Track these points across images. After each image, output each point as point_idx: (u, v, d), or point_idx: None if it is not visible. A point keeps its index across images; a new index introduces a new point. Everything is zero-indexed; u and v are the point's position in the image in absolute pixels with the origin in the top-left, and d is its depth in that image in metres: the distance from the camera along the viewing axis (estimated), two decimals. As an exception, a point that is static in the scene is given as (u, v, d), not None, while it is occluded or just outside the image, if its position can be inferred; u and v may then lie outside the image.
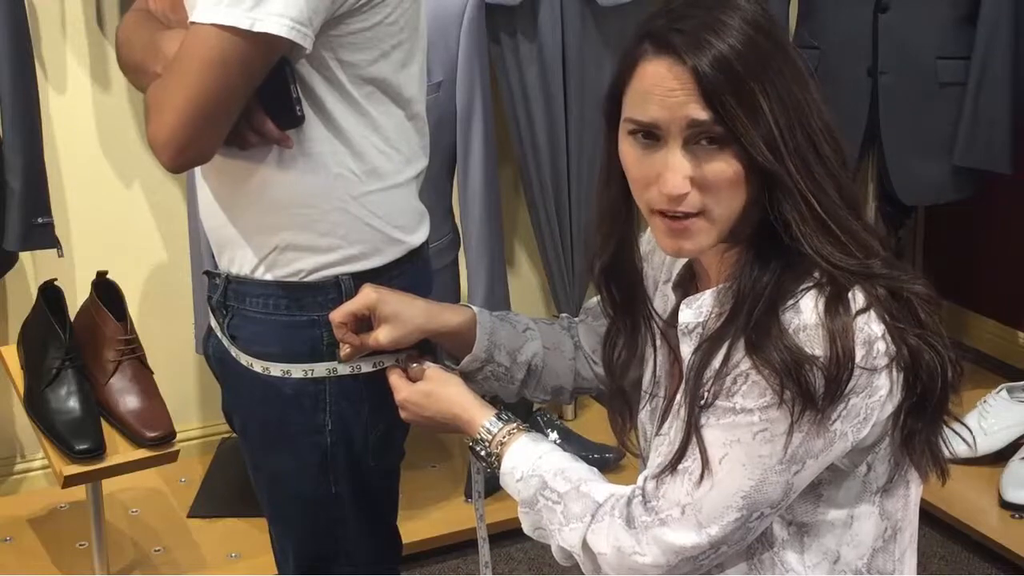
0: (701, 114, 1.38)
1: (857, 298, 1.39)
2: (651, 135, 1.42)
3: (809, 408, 1.36)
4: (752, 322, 1.39)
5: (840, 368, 1.36)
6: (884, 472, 1.46)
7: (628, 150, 1.45)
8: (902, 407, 1.42)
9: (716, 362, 1.42)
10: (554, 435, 3.08)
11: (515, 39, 3.01)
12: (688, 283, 1.57)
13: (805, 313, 1.37)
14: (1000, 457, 2.94)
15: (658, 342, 1.59)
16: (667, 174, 1.41)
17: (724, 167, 1.40)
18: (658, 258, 1.64)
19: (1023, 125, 2.88)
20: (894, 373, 1.40)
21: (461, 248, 2.95)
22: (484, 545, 1.79)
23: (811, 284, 1.39)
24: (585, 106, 3.09)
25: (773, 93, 1.38)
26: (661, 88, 1.40)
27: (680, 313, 1.51)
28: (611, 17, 3.04)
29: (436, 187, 2.67)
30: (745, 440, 1.39)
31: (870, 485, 1.46)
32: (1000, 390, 3.04)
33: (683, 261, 1.58)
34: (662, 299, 1.62)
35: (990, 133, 2.87)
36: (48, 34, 2.88)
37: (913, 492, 1.51)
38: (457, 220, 2.93)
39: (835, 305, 1.37)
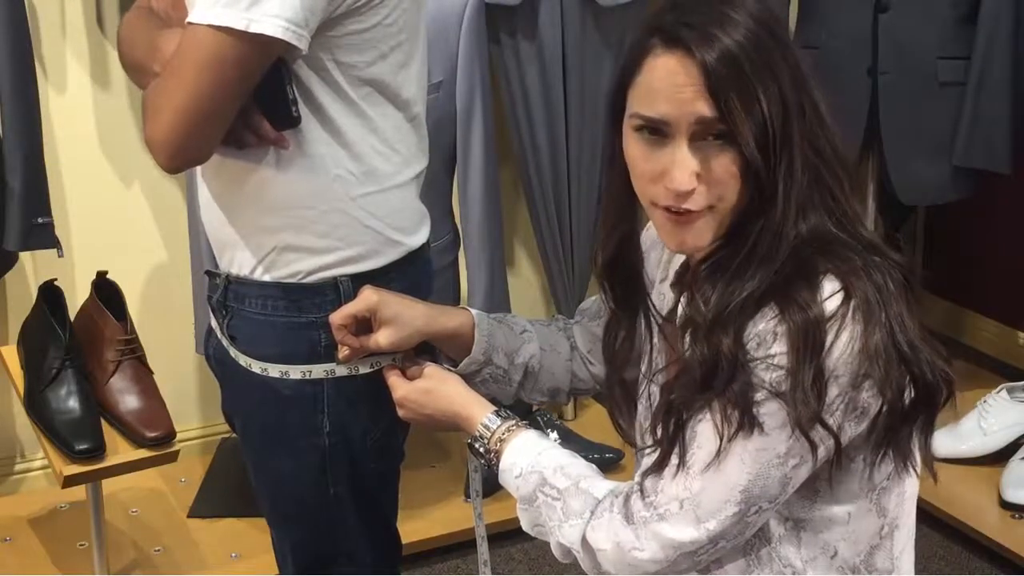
0: (709, 111, 1.38)
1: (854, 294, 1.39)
2: (657, 131, 1.42)
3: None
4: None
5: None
6: (882, 469, 1.46)
7: (634, 145, 1.45)
8: (896, 407, 1.42)
9: None
10: (554, 435, 3.08)
11: (515, 39, 3.01)
12: (686, 281, 1.56)
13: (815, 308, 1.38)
14: (1000, 457, 2.94)
15: (655, 339, 1.59)
16: (674, 171, 1.41)
17: (730, 162, 1.40)
18: (655, 256, 1.64)
19: (1023, 125, 2.88)
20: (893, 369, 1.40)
21: (461, 248, 2.96)
22: (483, 543, 1.79)
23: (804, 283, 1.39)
24: (585, 106, 3.09)
25: (773, 92, 1.39)
26: (670, 83, 1.39)
27: (680, 310, 1.51)
28: (611, 17, 3.04)
29: (436, 187, 2.67)
30: (743, 434, 1.39)
31: (867, 482, 1.46)
32: (1000, 390, 3.04)
33: (680, 260, 1.57)
34: (658, 297, 1.62)
35: (990, 133, 2.87)
36: (48, 34, 2.88)
37: (909, 489, 1.51)
38: (457, 220, 2.93)
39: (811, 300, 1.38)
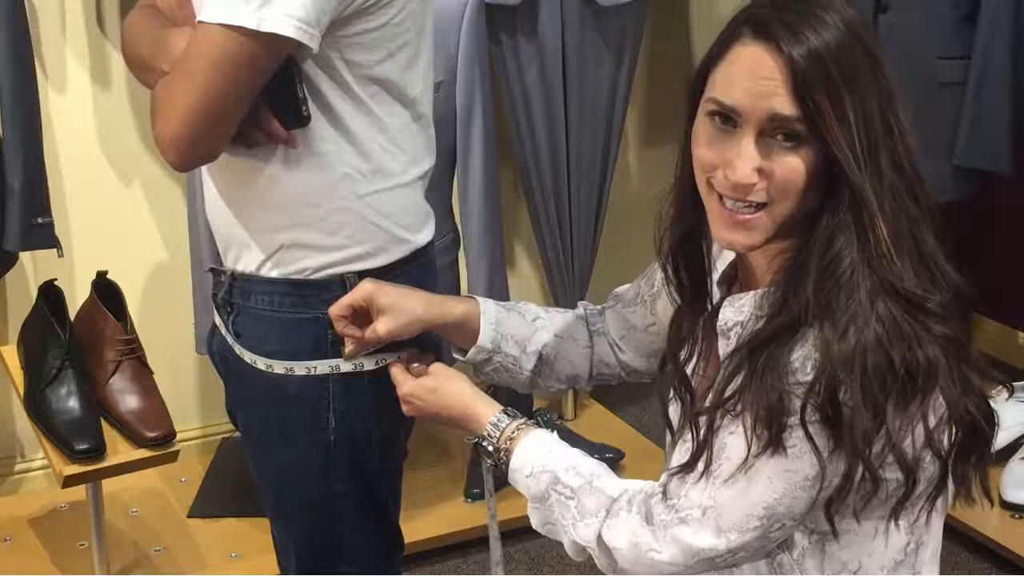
0: (786, 108, 1.36)
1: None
2: (729, 119, 1.40)
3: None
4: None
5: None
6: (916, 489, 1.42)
7: (702, 130, 1.43)
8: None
9: (750, 370, 1.38)
10: (554, 435, 3.08)
11: (515, 39, 3.01)
12: (732, 280, 1.54)
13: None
14: (1000, 457, 2.94)
15: (698, 335, 1.56)
16: (737, 161, 1.39)
17: (797, 165, 1.37)
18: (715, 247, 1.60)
19: (1023, 125, 2.88)
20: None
21: (461, 248, 2.96)
22: (496, 544, 1.76)
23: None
24: (585, 106, 3.09)
25: (859, 104, 1.36)
26: (752, 73, 1.37)
27: (721, 311, 1.49)
28: (611, 17, 3.04)
29: (436, 187, 2.66)
30: (773, 453, 1.36)
31: (896, 499, 1.42)
32: (1000, 390, 3.03)
33: (729, 257, 1.55)
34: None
35: (990, 133, 2.87)
36: (48, 34, 2.88)
37: (940, 507, 1.49)
38: (457, 220, 2.93)
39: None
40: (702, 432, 1.42)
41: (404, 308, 1.65)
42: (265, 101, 1.59)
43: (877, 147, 1.37)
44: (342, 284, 1.69)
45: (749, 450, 1.37)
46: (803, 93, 1.35)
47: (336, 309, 1.65)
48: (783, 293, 1.40)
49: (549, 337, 1.72)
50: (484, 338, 1.68)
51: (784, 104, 1.36)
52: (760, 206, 1.40)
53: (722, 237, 1.44)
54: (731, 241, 1.43)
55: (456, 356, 1.72)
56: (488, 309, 1.69)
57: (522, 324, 1.71)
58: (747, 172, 1.38)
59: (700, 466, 1.42)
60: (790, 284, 1.40)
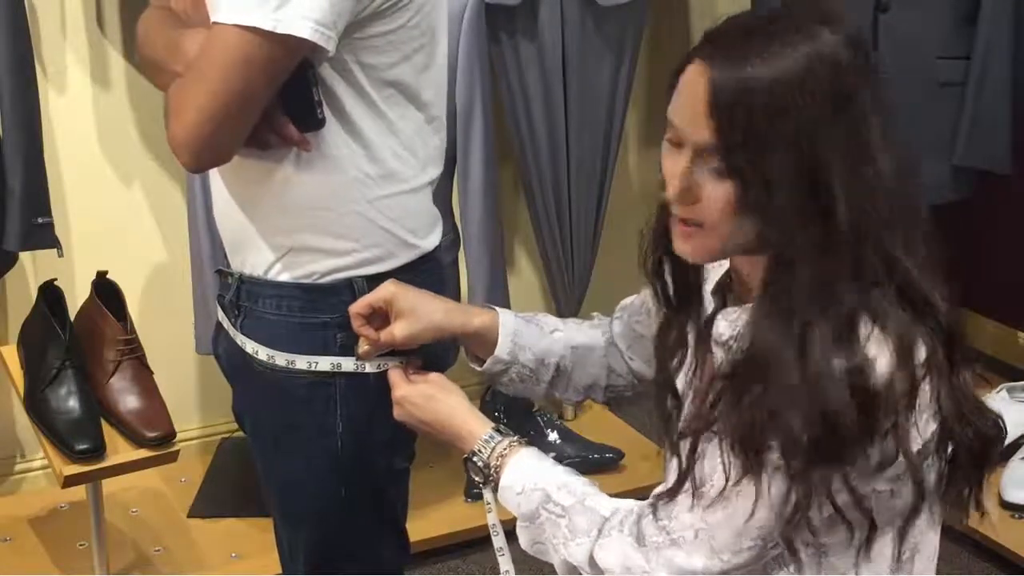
0: (706, 136, 1.33)
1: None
2: (675, 138, 1.39)
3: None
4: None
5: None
6: (909, 500, 1.41)
7: (662, 148, 1.42)
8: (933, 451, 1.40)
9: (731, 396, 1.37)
10: (554, 435, 3.08)
11: (515, 39, 3.01)
12: (726, 289, 1.52)
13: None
14: (1000, 457, 2.93)
15: (690, 344, 1.54)
16: (670, 180, 1.38)
17: (720, 194, 1.35)
18: None
19: (1023, 125, 2.88)
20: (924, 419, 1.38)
21: (461, 248, 2.95)
22: (498, 536, 1.70)
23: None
24: (585, 106, 3.09)
25: (797, 145, 1.31)
26: (686, 93, 1.36)
27: (716, 323, 1.47)
28: (611, 17, 3.04)
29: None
30: (756, 476, 1.34)
31: (893, 509, 1.41)
32: (1000, 390, 3.03)
33: (724, 265, 1.52)
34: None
35: (990, 133, 2.87)
36: (48, 34, 2.88)
37: (936, 515, 1.48)
38: (457, 220, 2.93)
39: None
40: (685, 453, 1.41)
41: (423, 314, 1.64)
42: (279, 103, 1.58)
43: (807, 194, 1.32)
44: (350, 288, 1.68)
45: (728, 474, 1.35)
46: (718, 122, 1.32)
47: (356, 307, 1.65)
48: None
49: (567, 348, 1.71)
50: (501, 349, 1.67)
51: (704, 131, 1.33)
52: (700, 224, 1.39)
53: (678, 250, 1.43)
54: (682, 252, 1.43)
55: (473, 366, 1.71)
56: (507, 321, 1.68)
57: (540, 336, 1.70)
58: (671, 193, 1.38)
59: (688, 486, 1.40)
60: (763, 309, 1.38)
